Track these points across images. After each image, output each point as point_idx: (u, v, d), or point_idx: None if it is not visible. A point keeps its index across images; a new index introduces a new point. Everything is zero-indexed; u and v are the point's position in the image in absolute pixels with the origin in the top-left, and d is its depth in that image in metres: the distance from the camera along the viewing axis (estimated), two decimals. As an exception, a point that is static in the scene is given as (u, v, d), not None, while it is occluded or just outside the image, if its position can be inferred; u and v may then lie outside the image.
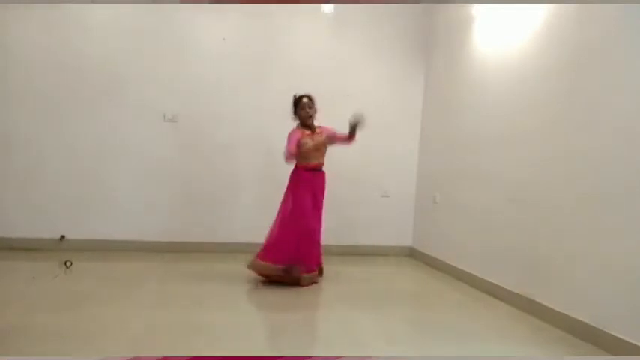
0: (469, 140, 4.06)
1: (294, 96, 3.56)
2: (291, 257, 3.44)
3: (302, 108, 3.53)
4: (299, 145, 3.47)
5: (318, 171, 3.64)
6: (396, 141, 4.95)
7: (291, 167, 3.58)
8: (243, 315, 2.90)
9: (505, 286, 3.42)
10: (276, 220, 3.56)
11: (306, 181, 3.57)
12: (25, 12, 4.11)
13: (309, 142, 3.52)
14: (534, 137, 3.25)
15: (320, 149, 3.60)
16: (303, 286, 3.46)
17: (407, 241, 5.03)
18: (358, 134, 3.54)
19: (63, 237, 4.22)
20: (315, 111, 3.57)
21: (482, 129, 3.87)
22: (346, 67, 4.77)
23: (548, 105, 3.14)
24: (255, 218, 4.08)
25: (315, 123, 3.60)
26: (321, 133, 3.60)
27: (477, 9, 4.03)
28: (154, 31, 4.36)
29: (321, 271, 3.76)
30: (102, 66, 4.27)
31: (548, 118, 3.13)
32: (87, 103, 4.27)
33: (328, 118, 3.63)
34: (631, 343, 2.41)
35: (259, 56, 4.57)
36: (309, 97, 3.55)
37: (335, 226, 4.31)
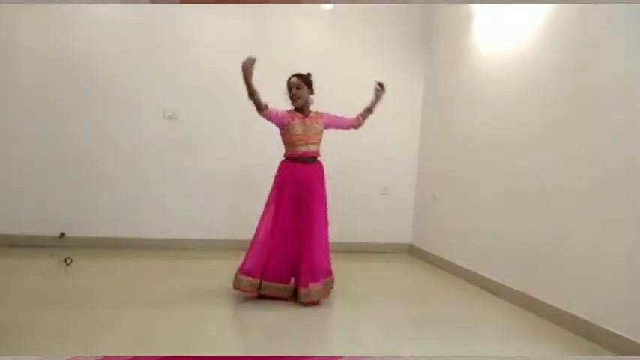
0: (469, 138, 4.06)
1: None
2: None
3: (289, 89, 3.15)
4: (285, 127, 3.12)
5: (307, 162, 3.17)
6: (396, 138, 4.95)
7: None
8: (240, 313, 2.90)
9: (505, 283, 3.43)
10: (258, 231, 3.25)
11: (290, 178, 3.15)
12: (23, 10, 4.09)
13: (297, 127, 3.12)
14: (534, 135, 3.25)
15: (312, 136, 3.16)
16: (302, 303, 3.04)
17: (406, 238, 5.04)
18: (369, 118, 3.40)
19: (63, 234, 4.22)
20: (304, 93, 3.13)
21: (482, 127, 3.87)
22: (346, 65, 4.75)
23: (548, 103, 3.14)
24: (258, 216, 4.08)
25: (313, 108, 3.25)
26: (317, 118, 3.21)
27: (477, 6, 4.02)
28: (153, 28, 4.35)
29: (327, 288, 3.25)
30: (102, 63, 4.26)
31: (549, 116, 3.13)
32: (87, 99, 4.26)
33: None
34: (631, 341, 2.42)
35: (259, 53, 4.52)
36: (298, 76, 3.14)
37: (334, 223, 4.30)
